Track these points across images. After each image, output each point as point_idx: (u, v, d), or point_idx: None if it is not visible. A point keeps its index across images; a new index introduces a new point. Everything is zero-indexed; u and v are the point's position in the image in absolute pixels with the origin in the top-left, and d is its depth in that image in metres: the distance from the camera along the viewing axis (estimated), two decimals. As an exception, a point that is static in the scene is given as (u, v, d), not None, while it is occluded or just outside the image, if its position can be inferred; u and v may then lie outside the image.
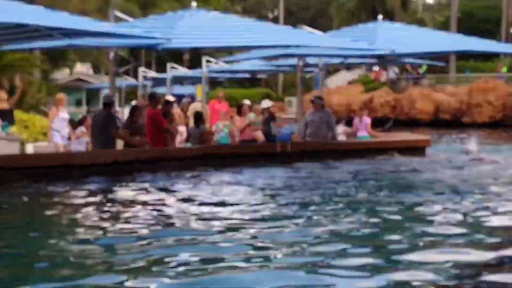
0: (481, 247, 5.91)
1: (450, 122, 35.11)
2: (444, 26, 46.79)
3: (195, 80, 24.34)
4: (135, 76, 29.14)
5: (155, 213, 7.97)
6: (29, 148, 13.97)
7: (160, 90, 23.56)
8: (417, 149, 15.49)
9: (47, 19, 10.27)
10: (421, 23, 47.96)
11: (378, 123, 22.96)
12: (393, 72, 42.48)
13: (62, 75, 43.71)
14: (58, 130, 13.98)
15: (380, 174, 12.07)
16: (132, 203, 8.79)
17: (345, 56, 16.63)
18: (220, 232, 6.74)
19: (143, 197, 9.22)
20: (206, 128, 14.69)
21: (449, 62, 42.01)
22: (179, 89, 27.16)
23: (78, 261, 5.59)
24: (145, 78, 24.54)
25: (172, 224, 7.29)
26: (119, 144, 13.13)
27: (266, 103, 15.97)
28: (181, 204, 8.61)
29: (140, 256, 5.70)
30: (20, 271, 5.37)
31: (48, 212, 8.36)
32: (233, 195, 9.32)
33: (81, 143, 13.91)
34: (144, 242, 6.25)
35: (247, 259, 5.56)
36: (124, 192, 9.76)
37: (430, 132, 23.84)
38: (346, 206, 8.26)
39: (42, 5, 15.28)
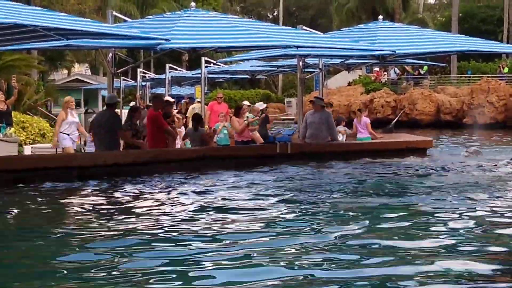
0: (486, 255, 5.81)
1: (451, 123, 34.99)
2: (444, 26, 46.82)
3: (194, 81, 24.27)
4: (134, 77, 29.06)
5: (155, 214, 7.93)
6: (27, 150, 13.89)
7: (158, 91, 23.52)
8: (418, 151, 15.39)
9: (45, 20, 10.18)
10: (421, 23, 47.99)
11: (378, 124, 22.90)
12: (393, 72, 42.43)
13: (60, 76, 43.72)
14: (67, 133, 13.75)
15: (380, 175, 11.98)
16: (132, 204, 8.74)
17: (346, 57, 16.54)
18: (220, 232, 6.73)
19: (143, 199, 9.17)
20: (205, 130, 14.63)
21: (450, 62, 41.98)
22: (177, 90, 27.13)
23: (78, 262, 5.57)
24: (144, 79, 24.49)
25: (172, 226, 7.24)
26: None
27: (260, 105, 16.02)
28: (181, 206, 8.56)
29: (140, 256, 5.70)
30: (19, 273, 5.33)
31: (48, 213, 8.32)
32: (233, 197, 9.26)
33: None
34: (145, 243, 6.25)
35: (247, 259, 5.56)
36: (124, 194, 9.68)
37: (431, 133, 23.77)
38: (344, 209, 8.19)
39: (40, 6, 15.19)
